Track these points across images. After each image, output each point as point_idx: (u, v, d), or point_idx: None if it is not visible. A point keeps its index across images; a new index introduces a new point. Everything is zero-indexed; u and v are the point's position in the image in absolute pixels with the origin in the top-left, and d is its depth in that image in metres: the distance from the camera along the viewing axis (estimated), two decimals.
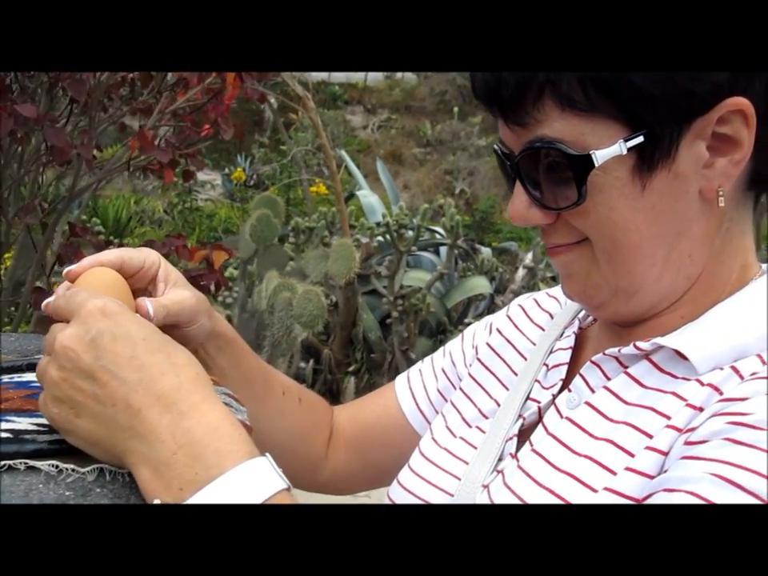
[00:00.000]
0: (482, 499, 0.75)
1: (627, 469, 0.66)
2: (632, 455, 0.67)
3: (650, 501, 0.62)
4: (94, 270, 0.72)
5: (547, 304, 0.93)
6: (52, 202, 2.35)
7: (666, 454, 0.65)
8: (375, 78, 12.04)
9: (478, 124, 11.06)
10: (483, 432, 0.84)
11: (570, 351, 0.83)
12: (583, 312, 0.86)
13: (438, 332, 5.25)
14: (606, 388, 0.73)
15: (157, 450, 0.58)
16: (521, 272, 5.15)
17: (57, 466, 0.60)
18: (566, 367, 0.82)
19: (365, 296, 5.47)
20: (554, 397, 0.79)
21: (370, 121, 11.46)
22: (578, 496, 0.67)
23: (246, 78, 2.02)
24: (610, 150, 0.67)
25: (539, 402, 0.81)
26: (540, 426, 0.77)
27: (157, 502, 0.57)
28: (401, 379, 1.03)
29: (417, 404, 0.99)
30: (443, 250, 5.63)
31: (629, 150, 0.67)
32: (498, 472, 0.77)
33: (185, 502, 0.56)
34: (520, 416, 0.81)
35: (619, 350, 0.74)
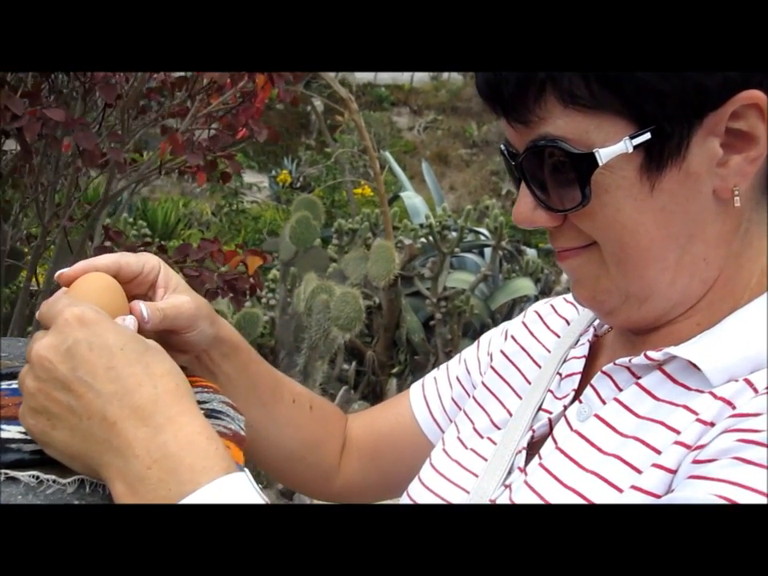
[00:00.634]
0: None
1: (633, 487, 0.62)
2: (639, 472, 0.63)
3: None
4: (88, 276, 0.71)
5: (564, 310, 0.90)
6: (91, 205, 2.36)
7: (674, 472, 0.61)
8: (421, 79, 12.00)
9: None
10: (494, 443, 0.81)
11: (583, 360, 0.79)
12: (599, 319, 0.83)
13: (482, 334, 5.20)
14: (616, 400, 0.70)
15: (131, 465, 0.56)
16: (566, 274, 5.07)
17: (37, 477, 0.59)
18: (578, 377, 0.78)
19: (408, 297, 5.46)
20: (565, 408, 0.76)
21: (416, 122, 11.43)
22: None
23: (277, 80, 2.01)
24: (615, 148, 0.64)
25: (551, 413, 0.78)
26: (550, 438, 0.74)
27: None
28: (415, 387, 1.00)
29: (431, 413, 0.96)
30: (488, 251, 5.57)
31: (635, 147, 0.63)
32: (506, 486, 0.74)
33: None
34: (531, 428, 0.78)
35: (630, 360, 0.70)
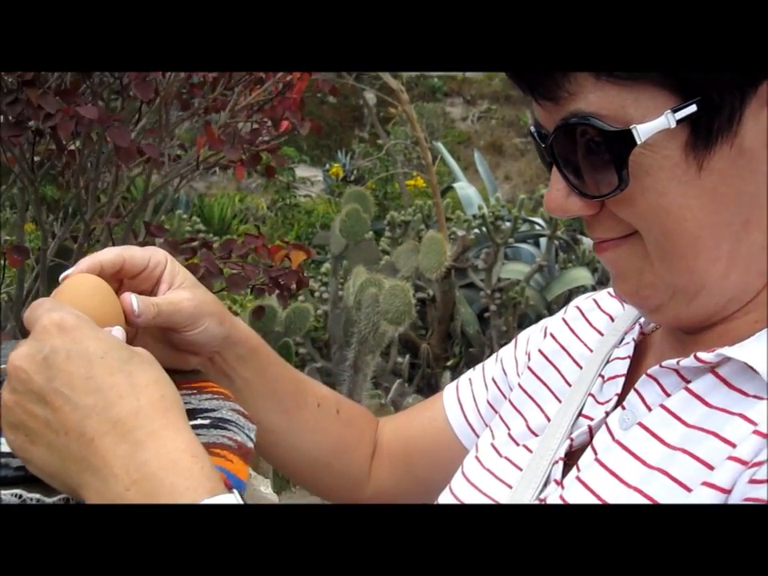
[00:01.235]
0: None
1: None
2: (688, 490, 0.56)
3: None
4: (76, 277, 0.67)
5: (608, 305, 0.82)
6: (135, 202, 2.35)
7: (728, 491, 0.53)
8: None
9: None
10: (530, 452, 0.74)
11: (627, 361, 0.72)
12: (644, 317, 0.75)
13: None
14: (663, 407, 0.62)
15: (110, 486, 0.51)
16: None
17: (20, 496, 0.54)
18: (622, 380, 0.71)
19: (462, 289, 5.40)
20: (607, 414, 0.69)
21: (469, 112, 11.27)
22: None
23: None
24: (656, 124, 0.56)
25: (591, 420, 0.70)
26: (589, 448, 0.67)
27: None
28: (449, 389, 0.94)
29: (465, 417, 0.90)
30: (543, 241, 5.46)
31: (679, 122, 0.56)
32: (541, 501, 0.67)
33: None
34: (569, 436, 0.70)
35: (678, 362, 0.62)
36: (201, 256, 2.18)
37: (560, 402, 0.77)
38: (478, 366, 0.94)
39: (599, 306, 0.83)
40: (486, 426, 0.86)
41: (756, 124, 0.56)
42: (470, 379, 0.92)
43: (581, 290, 5.13)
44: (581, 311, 0.84)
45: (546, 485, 0.69)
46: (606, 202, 0.61)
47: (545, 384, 0.80)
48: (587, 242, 5.81)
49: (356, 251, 4.01)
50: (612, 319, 0.80)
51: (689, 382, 0.62)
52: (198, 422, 0.66)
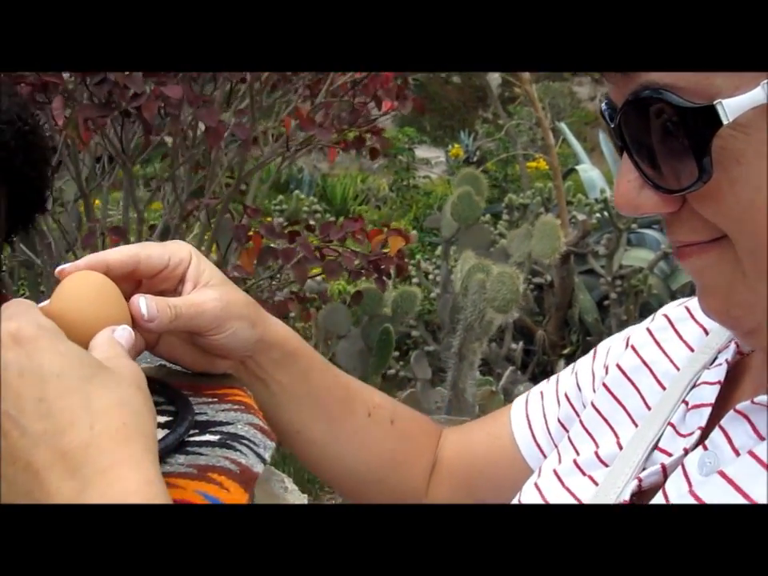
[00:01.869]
0: None
1: None
2: None
3: None
4: (75, 275, 0.60)
5: (702, 315, 0.69)
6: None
7: None
8: None
9: None
10: (595, 484, 0.63)
11: (717, 387, 0.59)
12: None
13: None
14: (752, 454, 0.50)
15: None
16: None
17: None
18: (708, 410, 0.59)
19: (582, 276, 5.22)
20: (686, 452, 0.57)
21: (597, 91, 10.84)
22: None
23: None
24: (748, 98, 0.44)
25: (669, 456, 0.59)
26: (660, 493, 0.56)
27: None
28: (518, 403, 0.83)
29: (533, 435, 0.79)
30: None
31: None
32: None
33: None
34: (637, 476, 0.59)
35: None
36: (298, 240, 2.14)
37: (636, 426, 0.66)
38: (552, 378, 0.83)
39: (692, 316, 0.70)
40: (555, 446, 0.75)
41: None
42: (541, 392, 0.81)
43: None
44: (669, 321, 0.71)
45: None
46: (687, 197, 0.49)
47: (621, 405, 0.69)
48: None
49: (467, 235, 3.90)
50: (706, 333, 0.68)
51: None
52: (207, 437, 0.59)
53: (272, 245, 2.09)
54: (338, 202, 8.05)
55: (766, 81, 0.44)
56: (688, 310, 0.71)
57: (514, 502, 0.70)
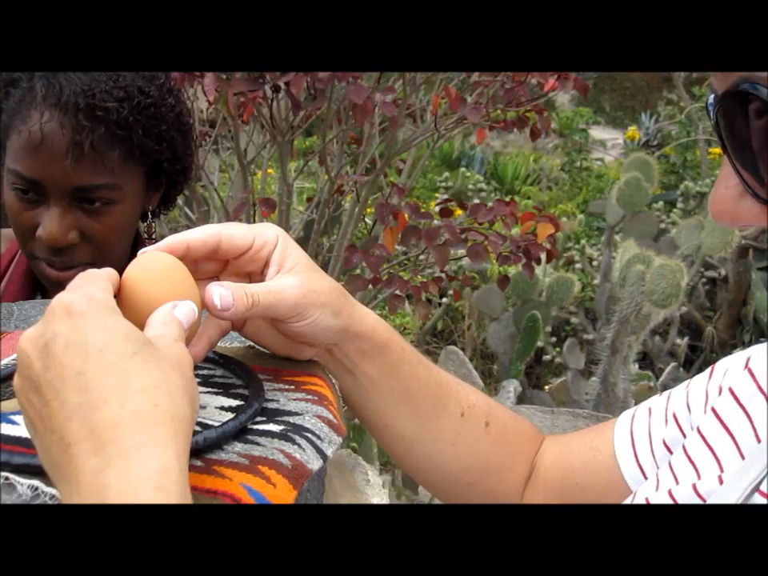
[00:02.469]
0: None
1: None
2: None
3: None
4: (146, 256, 0.60)
5: None
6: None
7: None
8: None
9: None
10: None
11: None
12: None
13: None
14: None
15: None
16: None
17: (36, 488, 0.50)
18: None
19: (761, 272, 4.86)
20: None
21: None
22: None
23: None
24: None
25: None
26: None
27: None
28: (624, 418, 0.76)
29: (635, 454, 0.73)
30: None
31: None
32: None
33: None
34: None
35: None
36: (444, 222, 2.11)
37: (744, 459, 0.59)
38: (665, 393, 0.76)
39: None
40: (658, 468, 0.69)
41: None
42: (649, 409, 0.75)
43: None
44: None
45: None
46: None
47: (730, 433, 0.62)
48: None
49: (633, 223, 3.73)
50: None
51: None
52: (270, 426, 0.58)
53: (416, 225, 2.07)
54: (508, 181, 7.93)
55: None
56: None
57: None
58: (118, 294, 0.57)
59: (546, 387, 4.15)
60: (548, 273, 4.04)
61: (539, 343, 4.04)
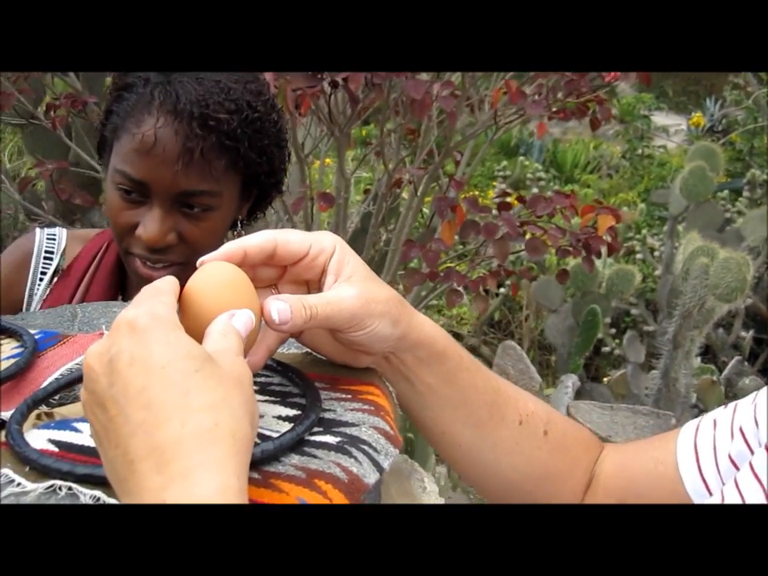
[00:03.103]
0: None
1: None
2: None
3: None
4: (207, 266, 0.60)
5: None
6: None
7: None
8: None
9: None
10: None
11: None
12: None
13: None
14: None
15: None
16: None
17: (98, 499, 0.50)
18: None
19: None
20: None
21: None
22: None
23: None
24: None
25: None
26: None
27: None
28: (688, 429, 0.74)
29: (699, 468, 0.71)
30: None
31: None
32: None
33: None
34: None
35: None
36: (503, 215, 2.09)
37: None
38: (731, 405, 0.73)
39: None
40: (723, 483, 0.67)
41: None
42: (714, 421, 0.73)
43: None
44: None
45: None
46: None
47: None
48: None
49: (697, 213, 3.63)
50: None
51: None
52: (326, 438, 0.58)
53: (474, 219, 2.06)
54: (567, 168, 7.82)
55: None
56: None
57: None
58: (180, 305, 0.57)
59: (605, 379, 4.09)
60: (608, 264, 3.98)
61: (599, 335, 3.98)
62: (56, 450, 0.56)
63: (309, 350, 0.72)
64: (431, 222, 2.16)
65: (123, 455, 0.46)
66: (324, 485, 0.52)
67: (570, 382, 2.59)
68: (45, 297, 1.25)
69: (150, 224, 1.10)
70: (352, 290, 0.64)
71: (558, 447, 0.78)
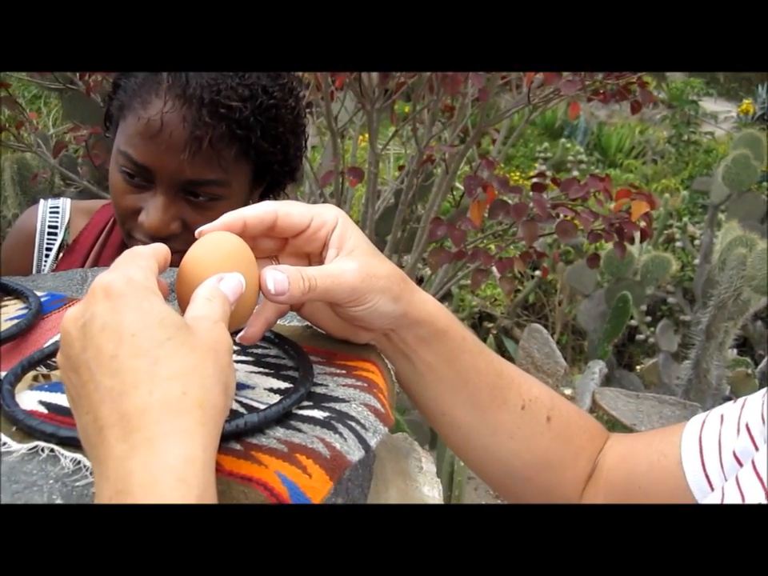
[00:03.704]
0: None
1: None
2: None
3: None
4: (208, 236, 0.59)
5: None
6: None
7: None
8: None
9: None
10: None
11: None
12: None
13: None
14: None
15: (102, 488, 0.44)
16: None
17: (78, 462, 0.50)
18: None
19: None
20: None
21: None
22: None
23: None
24: None
25: None
26: None
27: None
28: (693, 423, 0.72)
29: (702, 463, 0.69)
30: None
31: None
32: None
33: None
34: None
35: None
36: (533, 196, 2.06)
37: None
38: (740, 400, 0.71)
39: None
40: (726, 480, 0.65)
41: None
42: (722, 416, 0.71)
43: None
44: None
45: None
46: None
47: None
48: None
49: (738, 202, 3.56)
50: None
51: None
52: (315, 413, 0.57)
53: (506, 199, 2.03)
54: (611, 152, 7.69)
55: None
56: None
57: None
58: (178, 274, 0.57)
59: (638, 367, 4.04)
60: (645, 250, 3.92)
61: (633, 322, 3.93)
62: (45, 411, 0.56)
63: (309, 324, 0.72)
64: (461, 200, 2.14)
65: (94, 421, 0.46)
66: (305, 459, 0.51)
67: (597, 368, 2.56)
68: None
69: (153, 212, 1.05)
70: (353, 263, 0.63)
71: (560, 435, 0.76)
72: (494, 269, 2.30)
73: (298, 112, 1.11)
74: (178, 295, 0.58)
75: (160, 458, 0.43)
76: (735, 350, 3.83)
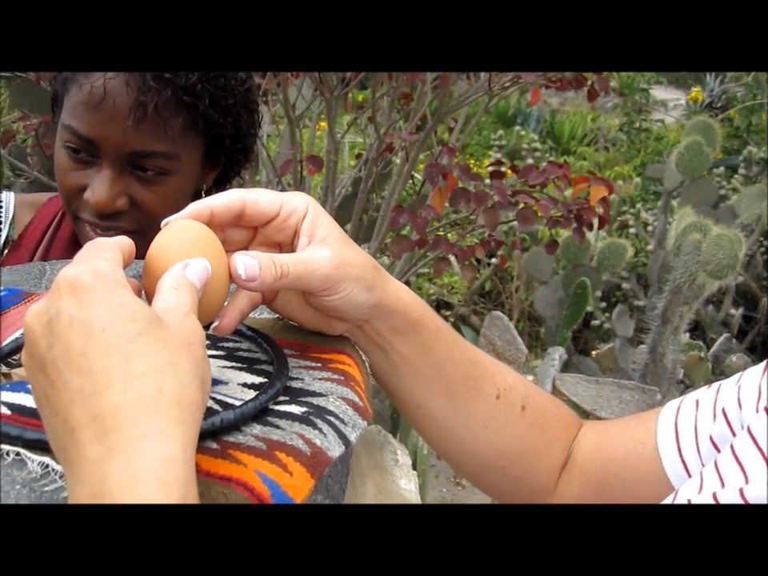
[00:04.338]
0: None
1: None
2: None
3: None
4: (173, 224, 0.57)
5: None
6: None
7: None
8: None
9: None
10: None
11: None
12: None
13: None
14: None
15: (77, 492, 0.42)
16: None
17: (47, 466, 0.48)
18: None
19: None
20: None
21: None
22: None
23: None
24: None
25: None
26: None
27: None
28: (669, 409, 0.72)
29: (679, 449, 0.69)
30: None
31: None
32: None
33: None
34: None
35: None
36: (494, 183, 2.05)
37: None
38: (715, 385, 0.71)
39: None
40: (703, 466, 0.65)
41: None
42: (697, 401, 0.71)
43: None
44: None
45: None
46: None
47: None
48: None
49: (691, 189, 3.61)
50: None
51: None
52: (292, 408, 0.56)
53: (466, 186, 2.02)
54: (564, 140, 7.76)
55: None
56: None
57: None
58: (144, 266, 0.55)
59: (594, 353, 4.08)
60: (600, 237, 3.95)
61: (588, 308, 3.97)
62: (8, 412, 0.54)
63: (280, 316, 0.70)
64: (422, 188, 2.13)
65: (63, 423, 0.44)
66: (285, 457, 0.50)
67: (557, 354, 2.58)
68: None
69: (99, 186, 1.01)
70: (326, 251, 0.62)
71: (535, 423, 0.76)
72: (452, 257, 2.30)
73: (249, 87, 1.08)
74: (145, 287, 0.56)
75: (139, 460, 0.41)
76: (687, 335, 3.89)
